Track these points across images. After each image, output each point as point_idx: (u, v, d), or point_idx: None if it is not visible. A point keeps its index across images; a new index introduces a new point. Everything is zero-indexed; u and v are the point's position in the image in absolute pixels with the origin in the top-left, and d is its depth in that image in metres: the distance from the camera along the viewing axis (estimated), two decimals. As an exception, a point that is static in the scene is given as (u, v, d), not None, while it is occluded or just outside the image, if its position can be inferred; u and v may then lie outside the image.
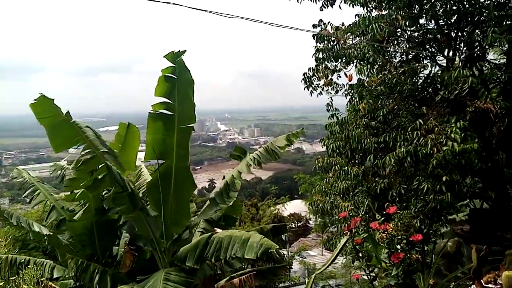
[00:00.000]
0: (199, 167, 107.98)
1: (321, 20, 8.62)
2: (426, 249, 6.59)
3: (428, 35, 8.03)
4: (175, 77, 6.55)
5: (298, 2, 8.73)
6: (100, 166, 5.99)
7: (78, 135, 6.17)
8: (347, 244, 4.81)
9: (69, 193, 7.49)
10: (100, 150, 6.09)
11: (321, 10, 8.66)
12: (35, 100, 6.00)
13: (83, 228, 7.43)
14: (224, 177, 7.74)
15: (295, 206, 40.66)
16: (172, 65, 6.48)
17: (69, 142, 6.29)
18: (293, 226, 37.23)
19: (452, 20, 7.83)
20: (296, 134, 7.70)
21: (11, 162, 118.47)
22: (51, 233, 7.22)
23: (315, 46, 8.39)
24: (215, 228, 7.30)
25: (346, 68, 8.30)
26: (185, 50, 6.47)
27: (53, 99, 6.03)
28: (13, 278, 4.50)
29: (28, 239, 9.11)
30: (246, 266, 8.34)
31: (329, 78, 8.35)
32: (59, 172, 8.84)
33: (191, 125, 6.85)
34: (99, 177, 5.99)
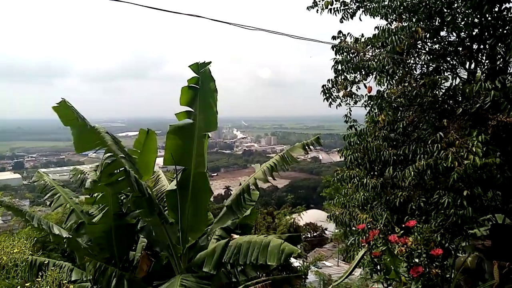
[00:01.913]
0: (215, 174, 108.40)
1: (340, 32, 8.63)
2: (446, 263, 6.48)
3: (449, 48, 7.95)
4: (198, 86, 6.71)
5: (317, 12, 8.76)
6: (119, 170, 6.11)
7: (98, 139, 6.31)
8: (365, 256, 4.77)
9: (89, 196, 7.65)
10: (118, 155, 6.21)
11: (341, 22, 8.67)
12: (57, 103, 6.21)
13: (101, 232, 7.55)
14: (240, 184, 7.78)
15: (311, 216, 40.42)
16: (196, 75, 6.67)
17: (90, 145, 6.45)
18: (309, 236, 36.97)
19: (474, 33, 7.74)
20: (312, 142, 7.71)
21: (33, 164, 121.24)
22: (71, 236, 7.35)
23: (334, 58, 8.39)
24: (232, 234, 7.32)
25: (365, 80, 8.28)
26: (210, 62, 6.69)
27: (72, 105, 6.22)
28: (38, 279, 4.60)
29: (47, 241, 9.28)
30: (261, 275, 8.31)
31: (348, 90, 8.32)
32: (79, 176, 9.05)
33: (209, 132, 6.96)
34: (119, 178, 6.12)
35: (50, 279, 4.47)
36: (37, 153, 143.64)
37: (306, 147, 7.65)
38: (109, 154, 6.08)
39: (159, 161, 8.75)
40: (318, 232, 39.59)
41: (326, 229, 40.05)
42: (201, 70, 6.70)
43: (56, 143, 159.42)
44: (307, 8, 8.82)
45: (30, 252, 5.04)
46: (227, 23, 5.32)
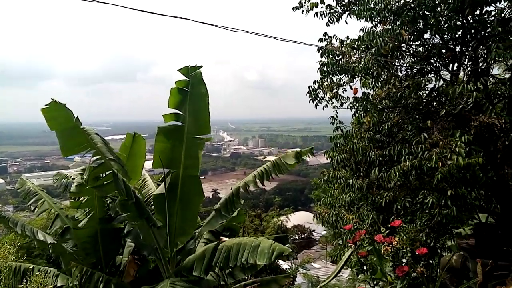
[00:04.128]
0: (203, 177, 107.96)
1: (326, 34, 8.69)
2: (431, 262, 6.57)
3: (433, 50, 8.08)
4: (188, 89, 6.70)
5: (303, 13, 8.80)
6: (106, 173, 6.05)
7: (87, 141, 6.24)
8: (351, 256, 4.81)
9: (74, 200, 7.56)
10: (107, 157, 6.15)
11: (328, 25, 8.75)
12: (46, 105, 6.10)
13: (87, 236, 7.47)
14: (231, 189, 7.77)
15: (299, 218, 40.54)
16: (186, 78, 6.66)
17: (78, 148, 6.36)
18: (297, 237, 37.07)
19: (457, 35, 7.90)
20: (305, 152, 7.74)
21: (16, 169, 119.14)
22: (56, 242, 7.25)
23: (320, 61, 8.44)
24: (221, 237, 7.30)
25: (351, 82, 8.35)
26: (201, 66, 6.69)
27: (65, 104, 6.12)
28: (21, 286, 4.52)
29: (32, 246, 9.13)
30: (249, 277, 8.31)
31: (334, 91, 8.39)
32: (63, 180, 8.91)
33: (202, 136, 6.93)
34: (105, 182, 6.06)
35: (34, 285, 4.40)
36: (21, 158, 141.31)
37: (299, 157, 7.66)
38: (97, 156, 6.02)
39: (147, 164, 8.70)
40: (306, 234, 39.74)
41: (314, 230, 40.24)
42: (192, 73, 6.69)
43: (41, 147, 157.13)
44: (293, 8, 8.85)
45: (14, 258, 4.95)
46: (213, 25, 5.32)
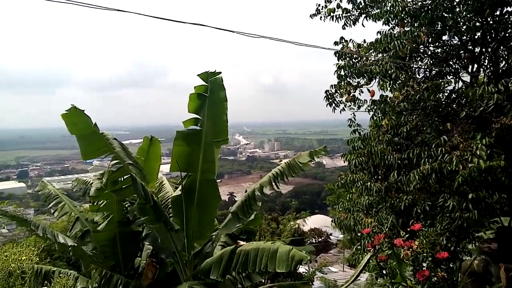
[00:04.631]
0: (219, 181, 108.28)
1: (342, 37, 8.68)
2: (452, 267, 6.46)
3: (452, 51, 7.97)
4: (206, 94, 6.78)
5: (321, 20, 8.82)
6: (125, 177, 6.13)
7: (106, 146, 6.35)
8: (370, 260, 4.77)
9: (93, 204, 7.68)
10: (125, 161, 6.24)
11: (343, 28, 8.73)
12: (66, 110, 6.23)
13: (106, 240, 7.57)
14: (246, 191, 7.79)
15: (316, 221, 40.32)
16: (205, 83, 6.75)
17: (97, 152, 6.47)
18: (314, 241, 36.83)
19: (476, 36, 7.77)
20: (319, 151, 7.71)
21: (37, 173, 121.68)
22: (76, 244, 7.37)
23: (337, 64, 8.42)
24: (239, 241, 7.30)
25: (368, 84, 8.30)
26: (220, 72, 6.78)
27: (84, 110, 6.24)
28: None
29: (52, 249, 9.30)
30: (266, 280, 8.29)
31: (351, 95, 8.35)
32: (82, 186, 9.05)
33: (219, 140, 6.98)
34: (124, 186, 6.15)
35: (58, 286, 4.48)
36: (41, 162, 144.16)
37: (313, 156, 7.64)
38: (116, 160, 6.12)
39: (163, 168, 8.78)
40: (323, 238, 39.46)
41: (331, 234, 39.91)
42: (211, 79, 6.79)
43: (60, 151, 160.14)
44: (310, 16, 8.89)
45: (37, 260, 5.05)
46: (231, 31, 5.36)
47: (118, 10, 4.81)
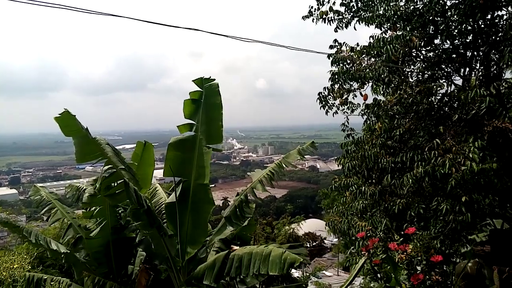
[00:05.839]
0: (213, 185, 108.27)
1: (336, 40, 8.71)
2: (446, 270, 6.46)
3: (444, 55, 8.02)
4: (201, 100, 6.79)
5: (313, 22, 8.86)
6: (118, 182, 6.08)
7: (99, 150, 6.30)
8: (365, 265, 4.75)
9: (86, 210, 7.60)
10: (118, 167, 6.19)
11: (336, 31, 8.77)
12: (60, 114, 6.20)
13: (99, 246, 7.49)
14: (237, 194, 7.74)
15: (310, 225, 40.32)
16: (199, 89, 6.76)
17: (91, 155, 6.42)
18: (308, 245, 36.81)
19: (468, 40, 7.83)
20: (307, 147, 7.72)
21: (29, 179, 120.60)
22: (68, 251, 7.28)
23: (331, 70, 8.44)
24: (232, 246, 7.26)
25: (362, 88, 8.33)
26: (214, 79, 6.81)
27: (75, 116, 6.22)
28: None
29: (45, 256, 9.19)
30: (261, 284, 8.24)
31: (344, 98, 8.37)
32: (75, 192, 8.96)
33: (213, 145, 6.97)
34: (117, 191, 6.11)
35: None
36: (33, 168, 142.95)
37: (302, 152, 7.67)
38: (109, 165, 6.07)
39: (156, 173, 8.72)
40: (317, 242, 39.46)
41: (325, 238, 39.93)
42: (206, 84, 6.81)
43: (53, 157, 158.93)
44: (303, 17, 8.92)
45: (29, 268, 4.98)
46: (225, 35, 5.37)
47: (111, 15, 4.80)
